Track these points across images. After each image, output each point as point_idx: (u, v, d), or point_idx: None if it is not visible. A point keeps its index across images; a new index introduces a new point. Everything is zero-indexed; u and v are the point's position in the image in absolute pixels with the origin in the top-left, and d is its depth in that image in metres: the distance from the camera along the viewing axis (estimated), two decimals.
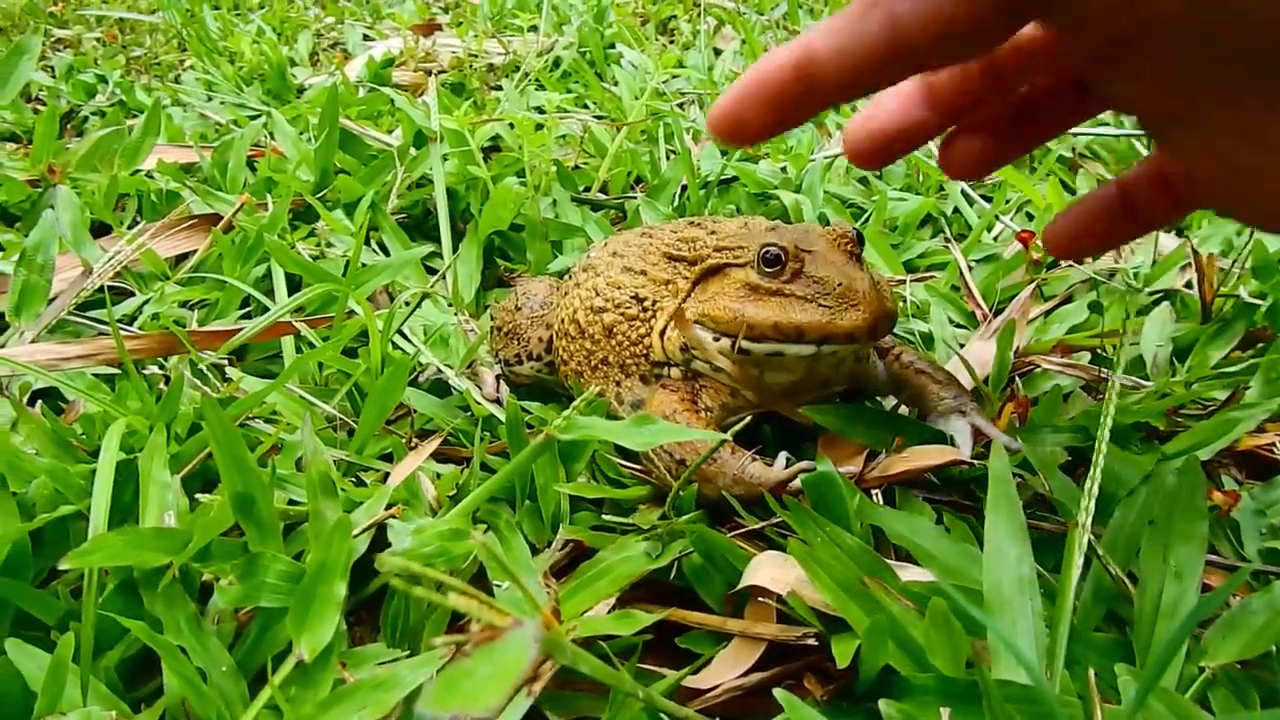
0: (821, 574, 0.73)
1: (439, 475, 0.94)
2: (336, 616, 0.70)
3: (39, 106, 2.36)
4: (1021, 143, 0.77)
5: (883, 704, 0.61)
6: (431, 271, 1.52)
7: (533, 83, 2.46)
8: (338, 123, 1.73)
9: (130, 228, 1.55)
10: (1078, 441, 0.92)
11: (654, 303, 0.99)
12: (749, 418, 0.90)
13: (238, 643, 0.75)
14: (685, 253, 0.99)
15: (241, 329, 1.17)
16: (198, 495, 0.87)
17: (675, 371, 0.97)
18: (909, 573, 0.76)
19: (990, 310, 1.34)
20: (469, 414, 1.05)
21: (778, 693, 0.63)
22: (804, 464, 0.85)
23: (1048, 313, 1.32)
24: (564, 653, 0.46)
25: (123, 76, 2.58)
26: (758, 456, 0.88)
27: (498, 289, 1.53)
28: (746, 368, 0.92)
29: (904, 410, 1.04)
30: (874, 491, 0.88)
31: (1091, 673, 0.60)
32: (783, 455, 0.89)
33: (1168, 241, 1.47)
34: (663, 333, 0.97)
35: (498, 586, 0.80)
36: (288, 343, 1.22)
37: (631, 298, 1.01)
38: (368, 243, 1.58)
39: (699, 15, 3.12)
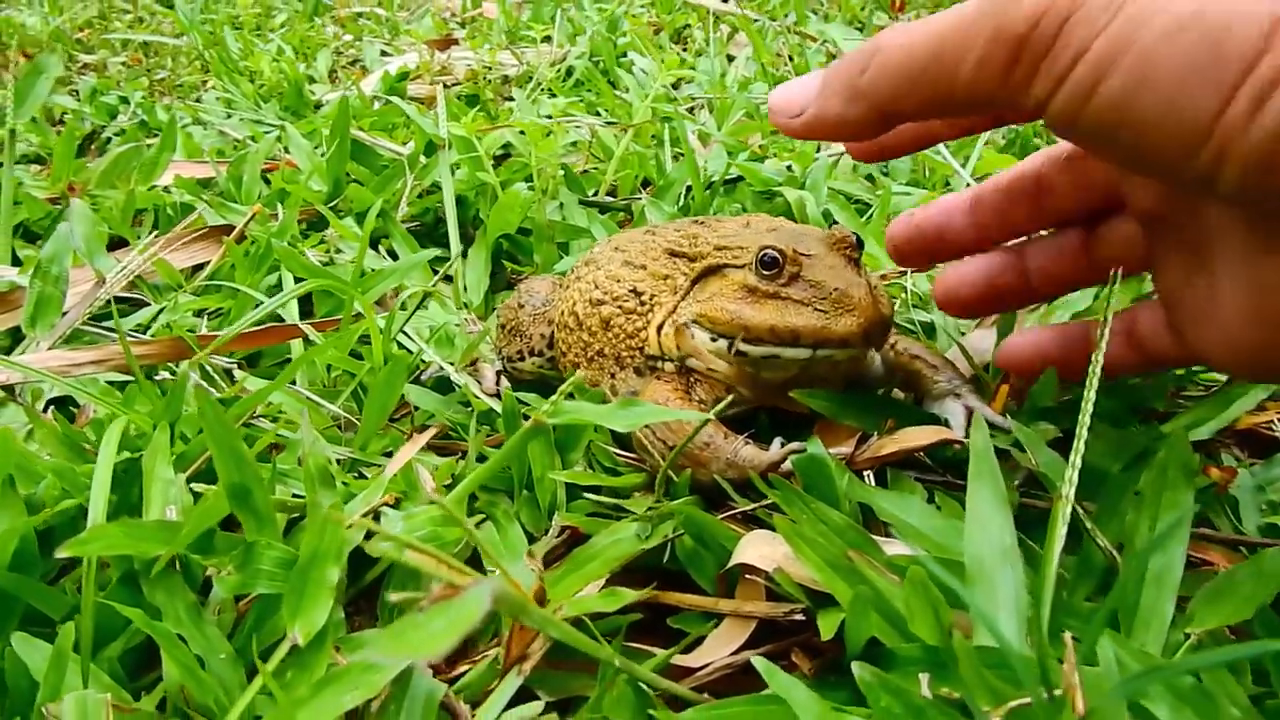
0: (807, 550, 0.74)
1: (437, 467, 0.95)
2: (330, 601, 0.71)
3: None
4: (1016, 296, 0.92)
5: (856, 667, 0.62)
6: (444, 278, 1.54)
7: (545, 91, 2.48)
8: (349, 133, 1.76)
9: (153, 239, 1.58)
10: (1072, 422, 0.92)
11: (652, 297, 1.00)
12: (740, 406, 0.91)
13: (237, 631, 0.76)
14: (686, 249, 1.00)
15: (249, 332, 1.19)
16: (201, 489, 0.89)
17: (670, 365, 0.98)
18: (895, 547, 0.77)
19: None
20: (469, 409, 1.07)
21: (758, 662, 0.64)
22: (795, 445, 0.86)
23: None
24: (527, 614, 0.47)
25: (144, 98, 2.63)
26: (750, 440, 0.88)
27: (506, 292, 1.55)
28: (743, 368, 0.93)
29: (899, 395, 1.04)
30: (865, 473, 0.88)
31: (1069, 636, 0.60)
32: (777, 440, 0.90)
33: None
34: (659, 328, 0.98)
35: (492, 572, 0.81)
36: (297, 346, 1.24)
37: (630, 291, 1.02)
38: (377, 249, 1.61)
39: (714, 23, 3.13)
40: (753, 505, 0.85)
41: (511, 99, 2.45)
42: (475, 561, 0.84)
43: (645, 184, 1.85)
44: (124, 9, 4.25)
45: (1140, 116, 0.55)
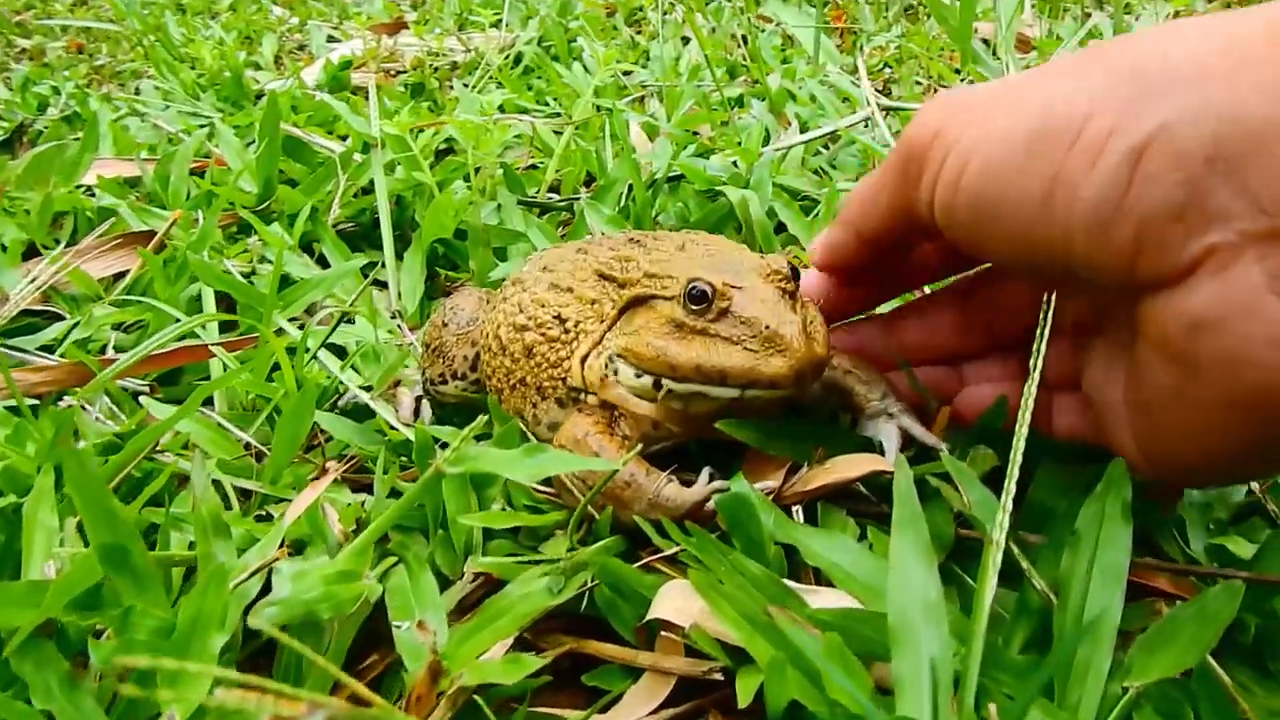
0: (724, 605, 0.70)
1: (348, 505, 0.90)
2: (211, 677, 0.66)
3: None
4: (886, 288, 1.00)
5: None
6: (378, 283, 1.48)
7: (491, 80, 2.41)
8: (279, 130, 1.69)
9: (68, 247, 1.51)
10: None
11: (577, 324, 0.95)
12: (667, 441, 0.86)
13: (115, 704, 0.71)
14: (616, 273, 0.94)
15: (157, 354, 1.13)
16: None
17: (593, 398, 0.92)
18: (821, 597, 0.72)
19: None
20: (386, 438, 1.01)
21: None
22: (718, 484, 0.81)
23: None
24: None
25: (78, 87, 2.54)
26: (673, 477, 0.84)
27: (442, 299, 1.49)
28: (669, 403, 0.88)
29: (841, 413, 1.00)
30: (794, 508, 0.84)
31: (993, 707, 0.56)
32: (705, 471, 0.85)
33: None
34: (584, 359, 0.93)
35: (397, 628, 0.76)
36: (215, 367, 1.18)
37: (554, 317, 0.96)
38: (311, 252, 1.55)
39: (670, 5, 3.06)
40: (675, 549, 0.80)
41: (464, 85, 2.39)
42: (381, 610, 0.79)
43: (589, 180, 1.79)
44: None
45: (998, 193, 0.66)
